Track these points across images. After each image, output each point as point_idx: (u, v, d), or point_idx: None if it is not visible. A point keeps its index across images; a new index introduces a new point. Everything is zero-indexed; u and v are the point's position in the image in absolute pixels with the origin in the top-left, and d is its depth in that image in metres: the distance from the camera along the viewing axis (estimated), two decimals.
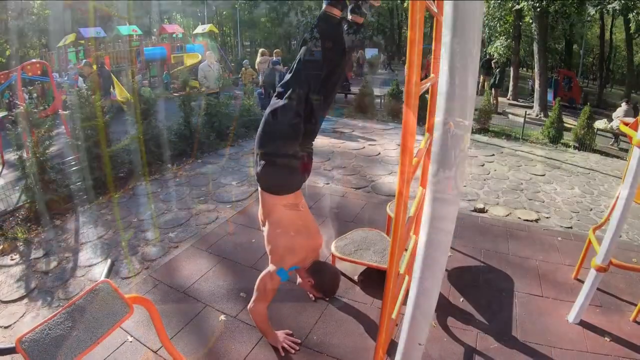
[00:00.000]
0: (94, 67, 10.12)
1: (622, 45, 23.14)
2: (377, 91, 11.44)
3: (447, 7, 0.92)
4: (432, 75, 2.22)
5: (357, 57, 22.65)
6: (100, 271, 3.45)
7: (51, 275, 3.46)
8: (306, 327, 2.71)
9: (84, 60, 10.66)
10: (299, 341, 2.55)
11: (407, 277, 2.89)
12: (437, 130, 1.03)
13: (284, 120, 2.08)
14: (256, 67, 12.07)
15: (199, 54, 15.52)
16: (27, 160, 4.43)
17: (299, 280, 2.52)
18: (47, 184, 4.52)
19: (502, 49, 13.52)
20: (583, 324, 2.86)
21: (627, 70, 20.03)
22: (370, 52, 24.97)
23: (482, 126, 9.11)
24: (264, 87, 10.62)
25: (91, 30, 14.01)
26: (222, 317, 2.79)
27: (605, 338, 2.75)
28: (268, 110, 2.13)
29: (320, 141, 7.43)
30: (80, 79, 9.03)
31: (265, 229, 2.36)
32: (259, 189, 2.30)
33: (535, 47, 12.71)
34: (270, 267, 2.30)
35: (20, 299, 3.16)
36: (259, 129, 2.18)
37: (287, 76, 2.11)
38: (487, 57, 14.96)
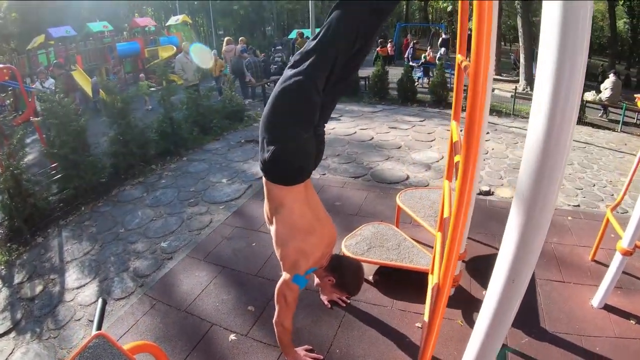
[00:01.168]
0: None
1: (599, 16, 23.28)
2: (360, 72, 11.11)
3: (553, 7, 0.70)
4: (457, 55, 1.99)
5: None
6: (90, 293, 3.17)
7: (38, 302, 3.15)
8: (326, 339, 2.50)
9: (54, 62, 10.06)
10: (321, 357, 2.33)
11: (431, 277, 2.71)
12: (535, 132, 0.80)
13: (300, 96, 1.74)
14: (222, 55, 11.75)
15: (174, 46, 14.92)
16: (1, 175, 4.04)
17: (316, 281, 2.23)
18: (24, 198, 4.15)
19: None
20: (607, 307, 2.76)
21: (611, 41, 20.18)
22: None
23: None
24: (233, 75, 10.41)
25: (60, 30, 13.23)
26: (232, 336, 2.55)
27: (631, 321, 2.65)
28: (279, 84, 1.78)
29: None
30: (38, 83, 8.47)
31: (272, 229, 2.05)
32: (264, 180, 1.97)
33: (518, 21, 12.58)
34: (285, 276, 2.00)
35: (7, 332, 2.86)
36: (267, 108, 1.82)
37: (310, 43, 1.75)
38: (445, 37, 14.79)
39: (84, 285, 3.29)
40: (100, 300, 1.46)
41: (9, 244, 3.98)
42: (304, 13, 35.16)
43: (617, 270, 2.67)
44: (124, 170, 5.59)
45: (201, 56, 10.06)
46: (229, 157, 6.28)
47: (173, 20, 19.03)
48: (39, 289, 3.29)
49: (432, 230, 3.10)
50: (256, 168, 5.66)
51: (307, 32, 14.41)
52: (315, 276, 2.23)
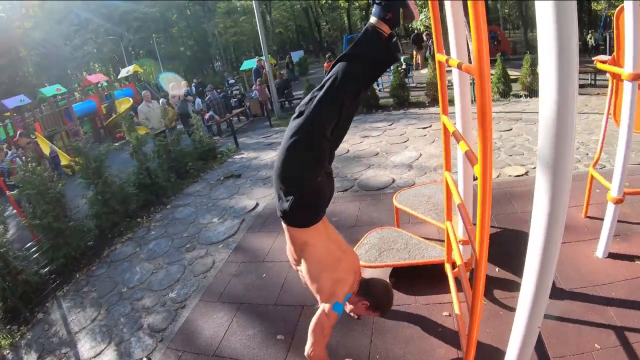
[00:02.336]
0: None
1: None
2: None
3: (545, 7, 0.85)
4: (437, 55, 2.11)
5: (286, 62, 22.73)
6: (109, 359, 3.03)
7: None
8: (363, 348, 2.51)
9: (19, 132, 9.75)
10: None
11: (447, 265, 2.78)
12: (545, 119, 0.94)
13: (310, 148, 1.83)
14: (170, 101, 11.77)
15: (129, 97, 14.78)
16: None
17: (349, 307, 2.26)
18: (14, 276, 3.97)
19: (427, 20, 13.87)
20: (612, 255, 2.94)
21: None
22: (296, 55, 24.97)
23: (433, 98, 9.20)
24: (180, 118, 10.44)
25: (15, 100, 12.89)
26: None
27: (636, 262, 2.84)
28: (289, 137, 1.84)
29: None
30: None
31: (302, 268, 2.12)
32: (285, 225, 2.05)
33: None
34: (325, 306, 2.05)
35: None
36: (279, 159, 1.88)
37: (317, 94, 1.82)
38: (415, 32, 15.47)
39: (100, 353, 3.14)
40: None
41: (9, 326, 3.77)
42: (249, 43, 35.65)
43: (613, 219, 2.87)
44: (109, 229, 5.44)
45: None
46: (213, 196, 6.22)
47: (124, 72, 18.88)
48: None
49: (436, 223, 3.19)
50: (244, 202, 5.63)
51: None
52: (347, 304, 2.24)
